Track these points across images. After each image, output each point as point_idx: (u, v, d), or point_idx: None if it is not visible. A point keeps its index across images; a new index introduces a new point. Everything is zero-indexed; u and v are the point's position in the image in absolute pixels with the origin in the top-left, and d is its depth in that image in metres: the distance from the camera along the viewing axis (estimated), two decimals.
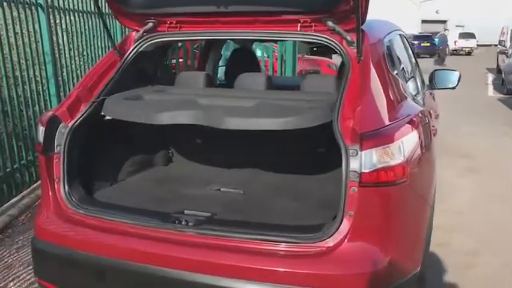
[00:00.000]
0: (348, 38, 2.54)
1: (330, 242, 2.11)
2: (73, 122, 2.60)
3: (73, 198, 2.54)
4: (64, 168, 2.55)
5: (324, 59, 12.66)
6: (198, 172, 3.32)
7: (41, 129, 2.58)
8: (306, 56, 12.10)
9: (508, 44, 16.47)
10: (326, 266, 2.07)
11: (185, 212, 2.46)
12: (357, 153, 2.09)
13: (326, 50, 5.11)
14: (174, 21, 2.90)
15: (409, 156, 2.20)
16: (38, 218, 2.59)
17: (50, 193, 2.56)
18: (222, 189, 2.95)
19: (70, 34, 6.16)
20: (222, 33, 2.94)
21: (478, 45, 32.93)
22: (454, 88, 4.25)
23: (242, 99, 2.67)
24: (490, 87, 14.61)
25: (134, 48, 2.96)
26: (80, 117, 2.63)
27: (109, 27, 6.31)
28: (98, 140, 2.85)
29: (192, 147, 3.45)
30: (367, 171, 2.07)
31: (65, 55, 5.99)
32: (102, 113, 2.72)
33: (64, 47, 5.99)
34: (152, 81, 3.28)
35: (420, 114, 2.67)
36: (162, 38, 2.96)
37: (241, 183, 3.02)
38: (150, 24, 2.92)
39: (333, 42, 2.61)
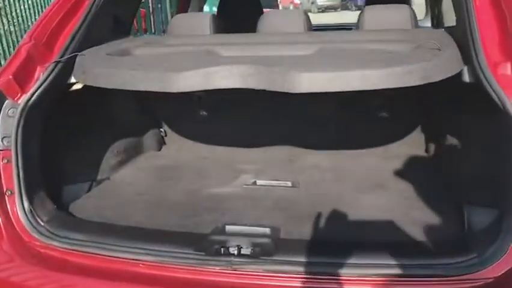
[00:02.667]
0: None
1: (499, 269, 1.26)
2: (26, 97, 1.59)
3: (40, 221, 1.57)
4: (19, 174, 1.56)
5: None
6: (211, 158, 2.36)
7: None
8: None
9: None
10: None
11: (227, 229, 1.54)
12: None
13: None
14: None
15: None
16: None
17: (0, 217, 1.56)
18: (258, 182, 2.03)
19: None
20: None
21: None
22: None
23: (291, 46, 1.74)
24: None
25: None
26: (38, 88, 1.62)
27: None
28: (65, 122, 1.85)
29: (195, 121, 2.46)
30: None
31: None
32: (73, 80, 1.72)
33: None
34: (129, 28, 2.27)
35: None
36: None
37: (281, 170, 2.12)
38: None
39: None
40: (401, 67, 1.40)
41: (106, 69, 1.65)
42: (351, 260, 1.33)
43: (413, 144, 2.31)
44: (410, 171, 2.07)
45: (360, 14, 2.10)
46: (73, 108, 1.88)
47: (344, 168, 2.14)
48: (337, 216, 1.68)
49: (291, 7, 22.72)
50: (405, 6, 2.05)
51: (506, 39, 1.41)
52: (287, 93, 1.46)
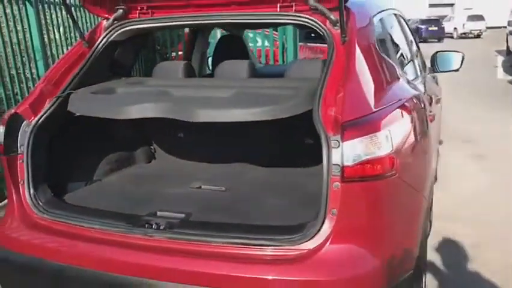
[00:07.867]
0: (332, 17, 2.29)
1: (311, 244, 1.90)
2: (35, 119, 2.41)
3: (39, 202, 2.35)
4: (28, 170, 2.36)
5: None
6: (180, 169, 3.12)
7: (1, 128, 2.39)
8: (309, 44, 11.77)
9: None
10: (305, 271, 1.86)
11: (158, 213, 2.27)
12: (339, 145, 1.87)
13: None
14: (145, 7, 2.69)
15: (399, 146, 1.97)
16: (2, 224, 2.40)
17: (15, 197, 2.37)
18: (203, 186, 2.75)
19: (64, 29, 5.88)
20: (195, 17, 2.72)
21: (487, 28, 32.15)
22: (457, 70, 3.97)
23: (220, 89, 2.46)
24: (500, 70, 14.20)
25: (105, 37, 2.75)
26: (44, 114, 2.43)
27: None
28: (70, 137, 2.66)
29: (175, 141, 3.25)
30: (350, 164, 1.84)
31: (57, 51, 5.71)
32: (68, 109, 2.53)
33: (55, 42, 5.71)
34: (128, 73, 3.07)
35: (414, 99, 2.43)
36: (134, 25, 2.74)
37: (225, 180, 2.81)
38: (120, 11, 2.71)
39: (315, 22, 2.36)
40: (260, 108, 2.09)
41: (84, 103, 2.45)
42: (222, 233, 2.02)
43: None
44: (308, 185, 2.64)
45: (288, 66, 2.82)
46: (78, 127, 2.69)
47: (274, 181, 2.80)
48: (238, 209, 2.36)
49: None
50: (318, 60, 2.70)
51: (338, 90, 2.05)
52: (241, 124, 2.14)
